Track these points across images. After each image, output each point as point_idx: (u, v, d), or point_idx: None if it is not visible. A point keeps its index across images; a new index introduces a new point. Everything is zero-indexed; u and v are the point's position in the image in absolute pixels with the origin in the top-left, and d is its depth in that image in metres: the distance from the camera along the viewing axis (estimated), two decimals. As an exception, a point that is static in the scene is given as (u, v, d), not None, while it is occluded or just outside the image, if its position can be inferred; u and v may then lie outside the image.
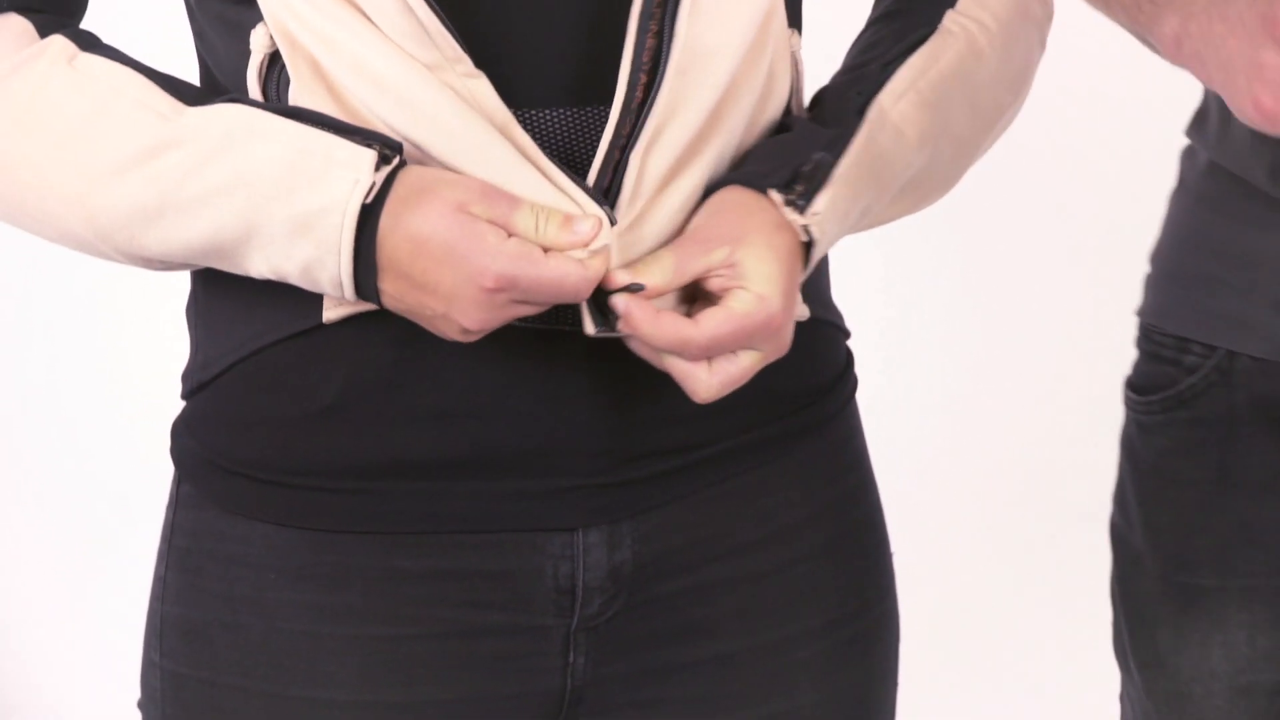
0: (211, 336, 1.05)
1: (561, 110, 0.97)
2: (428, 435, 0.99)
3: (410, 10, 0.91)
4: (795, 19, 1.08)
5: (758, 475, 1.06)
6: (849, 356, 1.14)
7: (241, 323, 1.02)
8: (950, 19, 1.09)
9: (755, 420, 1.05)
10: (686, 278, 0.94)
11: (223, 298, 1.02)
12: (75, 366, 2.45)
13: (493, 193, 0.92)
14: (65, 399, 2.46)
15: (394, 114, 0.94)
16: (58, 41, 0.99)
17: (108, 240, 0.98)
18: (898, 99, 1.04)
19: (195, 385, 1.06)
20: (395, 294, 0.93)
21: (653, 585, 1.04)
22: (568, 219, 0.92)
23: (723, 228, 0.95)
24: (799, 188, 0.98)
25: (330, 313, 0.98)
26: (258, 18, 0.97)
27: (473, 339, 0.94)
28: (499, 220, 0.92)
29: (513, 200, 0.92)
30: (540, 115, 0.97)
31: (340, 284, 0.94)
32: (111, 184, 0.96)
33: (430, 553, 1.01)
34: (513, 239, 0.91)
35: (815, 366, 1.09)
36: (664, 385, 0.98)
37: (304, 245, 0.93)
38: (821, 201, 0.98)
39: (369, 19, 0.93)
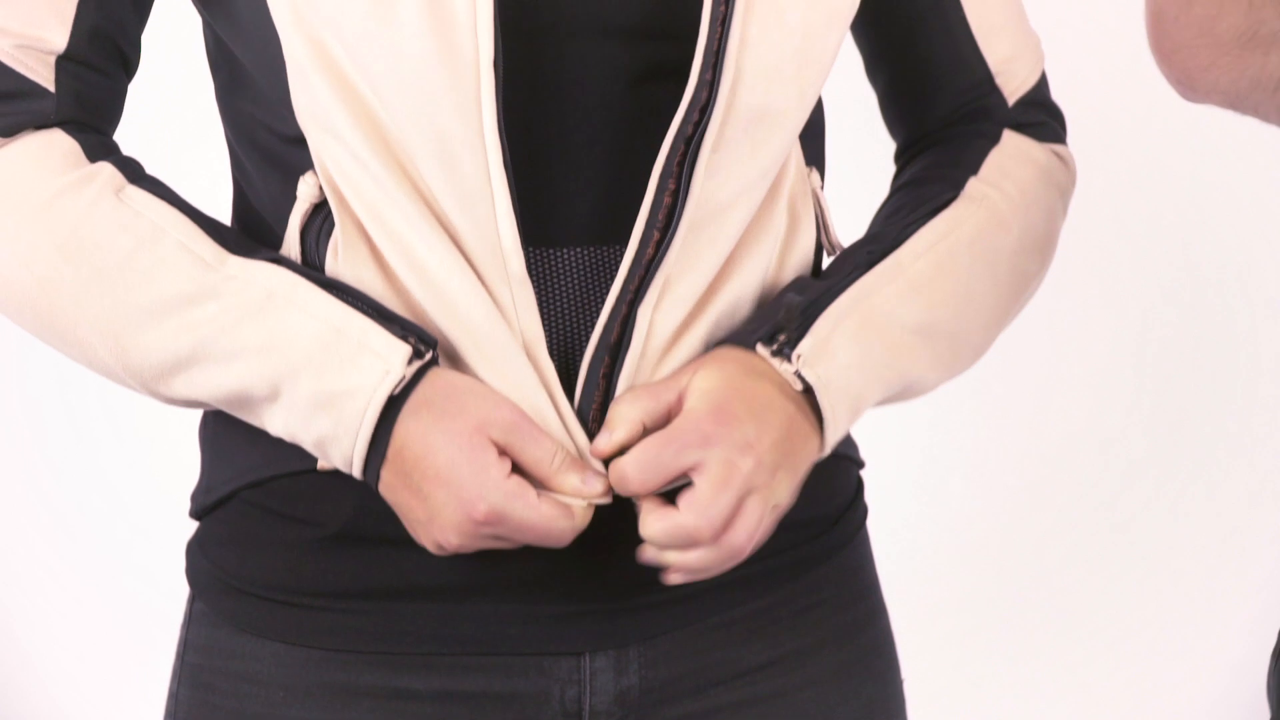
0: (216, 462, 1.07)
1: (580, 249, 0.99)
2: (436, 560, 1.00)
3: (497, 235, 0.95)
4: (816, 157, 1.10)
5: (766, 602, 1.07)
6: (860, 484, 1.14)
7: (243, 453, 1.04)
8: (973, 185, 1.10)
9: (765, 550, 1.05)
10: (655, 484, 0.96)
11: (230, 424, 1.04)
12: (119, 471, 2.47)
13: (523, 426, 0.94)
14: (110, 493, 2.48)
15: (428, 300, 0.96)
16: (106, 170, 1.00)
17: (135, 376, 0.99)
18: (917, 257, 1.06)
19: (199, 508, 1.08)
20: (391, 485, 0.96)
21: (660, 709, 1.05)
22: (582, 465, 0.95)
23: (702, 423, 0.95)
24: (781, 337, 0.99)
25: (325, 462, 0.99)
26: (306, 162, 0.99)
27: (442, 554, 0.96)
28: (512, 447, 0.94)
29: (538, 437, 0.94)
30: (560, 254, 0.99)
31: (350, 464, 0.96)
32: (147, 325, 0.97)
33: (438, 674, 1.02)
34: (513, 477, 0.93)
35: (827, 497, 1.10)
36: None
37: (323, 420, 0.95)
38: (806, 344, 0.99)
39: (420, 194, 0.95)
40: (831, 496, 1.10)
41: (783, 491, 0.97)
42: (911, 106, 1.17)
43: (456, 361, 0.97)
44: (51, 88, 1.01)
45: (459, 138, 0.94)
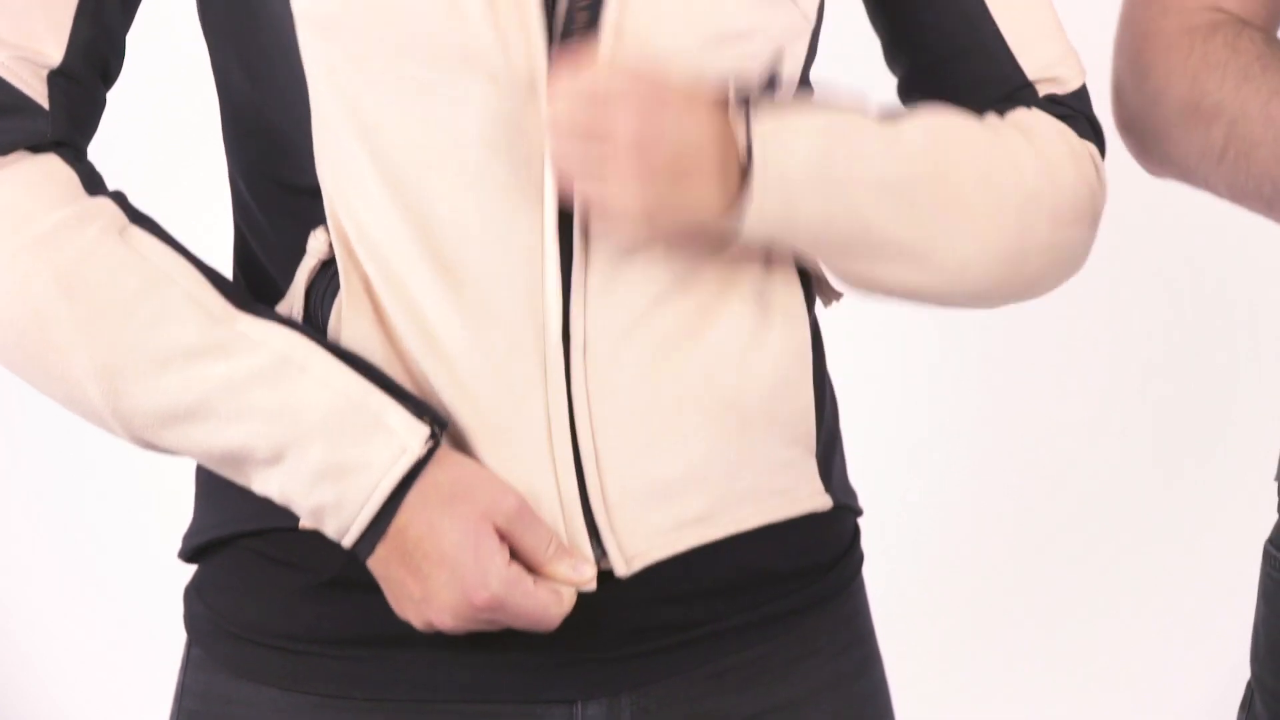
0: (206, 508, 1.07)
1: None
2: None
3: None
4: None
5: (760, 650, 1.07)
6: (855, 532, 1.14)
7: (234, 503, 1.03)
8: (993, 118, 1.07)
9: (758, 599, 1.06)
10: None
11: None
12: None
13: (526, 514, 0.96)
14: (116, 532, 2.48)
15: (431, 369, 0.97)
16: (109, 208, 0.98)
17: (123, 421, 0.97)
18: (906, 118, 1.03)
19: (187, 550, 1.08)
20: (385, 560, 0.96)
21: (653, 757, 1.05)
22: (573, 555, 0.97)
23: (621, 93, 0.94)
24: (749, 99, 0.97)
25: (307, 521, 0.99)
26: (319, 215, 0.99)
27: (429, 631, 0.97)
28: (512, 534, 0.95)
29: (536, 525, 0.96)
30: None
31: (344, 535, 0.96)
32: (147, 374, 0.95)
33: None
34: (512, 565, 0.95)
35: (820, 545, 1.10)
36: (666, 563, 1.00)
37: (327, 490, 0.95)
38: (769, 125, 0.96)
39: (443, 259, 0.96)
40: (826, 545, 1.10)
41: (633, 198, 0.94)
42: None
43: (455, 433, 0.98)
44: (45, 103, 0.98)
45: (513, 207, 0.95)
